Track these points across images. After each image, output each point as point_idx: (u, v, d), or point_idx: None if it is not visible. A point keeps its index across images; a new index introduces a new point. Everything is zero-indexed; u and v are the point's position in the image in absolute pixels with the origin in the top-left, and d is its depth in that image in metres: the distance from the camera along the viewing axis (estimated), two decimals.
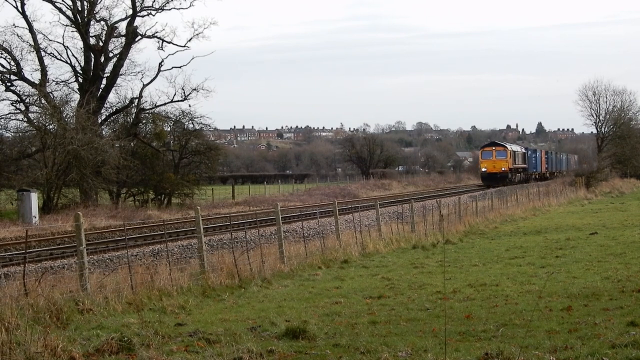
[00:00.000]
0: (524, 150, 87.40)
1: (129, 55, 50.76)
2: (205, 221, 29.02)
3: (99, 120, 49.51)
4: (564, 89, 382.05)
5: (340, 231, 24.02)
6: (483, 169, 76.29)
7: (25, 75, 47.91)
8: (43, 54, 48.52)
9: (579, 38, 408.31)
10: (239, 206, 48.56)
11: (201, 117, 54.08)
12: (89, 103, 44.70)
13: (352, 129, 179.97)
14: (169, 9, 51.62)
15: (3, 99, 48.69)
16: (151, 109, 52.49)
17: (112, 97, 51.68)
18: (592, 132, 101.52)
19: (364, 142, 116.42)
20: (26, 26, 48.17)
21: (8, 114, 47.07)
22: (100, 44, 49.80)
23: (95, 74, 49.60)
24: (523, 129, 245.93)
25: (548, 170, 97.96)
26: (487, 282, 15.85)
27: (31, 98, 48.15)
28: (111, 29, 49.87)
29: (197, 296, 14.48)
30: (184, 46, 51.94)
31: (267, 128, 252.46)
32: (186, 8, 57.85)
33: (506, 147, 77.29)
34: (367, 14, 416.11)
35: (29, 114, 46.82)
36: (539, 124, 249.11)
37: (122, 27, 50.73)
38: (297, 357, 9.66)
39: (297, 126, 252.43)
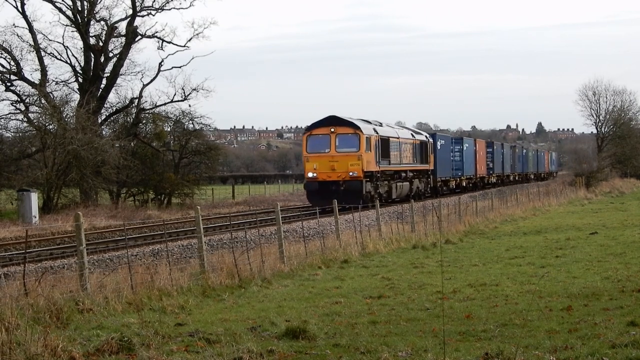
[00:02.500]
0: (423, 138, 50.08)
1: (129, 55, 50.76)
2: (205, 221, 29.01)
3: (99, 120, 49.49)
4: (564, 89, 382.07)
5: (340, 231, 24.03)
6: (310, 174, 39.20)
7: (25, 75, 47.94)
8: (43, 54, 48.54)
9: (579, 38, 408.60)
10: (239, 206, 48.53)
11: (201, 117, 54.07)
12: (89, 103, 44.69)
13: None
14: (169, 9, 51.60)
15: (3, 99, 48.67)
16: (151, 109, 52.48)
17: (112, 97, 51.71)
18: (592, 132, 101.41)
19: None
20: (26, 26, 48.18)
21: (8, 114, 47.14)
22: (100, 44, 49.77)
23: (95, 74, 49.59)
24: (523, 129, 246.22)
25: (493, 174, 70.46)
26: (487, 282, 15.85)
27: (31, 98, 48.17)
28: (111, 29, 49.85)
29: (197, 296, 14.48)
30: (184, 46, 51.95)
31: (267, 128, 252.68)
32: (186, 8, 57.74)
33: (359, 130, 39.22)
34: (367, 14, 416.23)
35: (29, 114, 46.83)
36: (539, 124, 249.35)
37: (122, 27, 50.75)
38: (297, 357, 9.66)
39: (297, 126, 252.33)
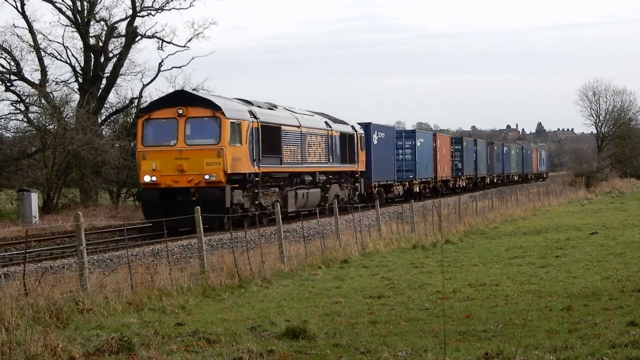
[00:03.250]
0: (346, 129, 38.46)
1: (128, 55, 50.76)
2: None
3: (99, 120, 49.52)
4: (564, 89, 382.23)
5: (340, 231, 24.04)
6: (146, 178, 27.54)
7: (25, 75, 47.95)
8: (43, 54, 48.55)
9: (578, 38, 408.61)
10: None
11: None
12: (89, 103, 44.72)
13: None
14: (169, 9, 51.55)
15: (3, 99, 48.71)
16: None
17: (112, 97, 51.67)
18: (592, 132, 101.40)
19: None
20: (26, 26, 48.18)
21: (8, 114, 47.19)
22: (100, 44, 49.80)
23: (95, 74, 49.62)
24: (523, 129, 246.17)
25: (462, 176, 60.26)
26: (487, 281, 15.85)
27: (31, 98, 48.21)
28: (111, 29, 49.87)
29: (197, 296, 14.49)
30: (184, 46, 51.90)
31: None
32: (186, 8, 57.71)
33: (219, 112, 27.55)
34: (366, 14, 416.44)
35: (29, 114, 46.91)
36: (539, 124, 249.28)
37: (122, 27, 50.74)
38: (297, 357, 9.67)
39: None
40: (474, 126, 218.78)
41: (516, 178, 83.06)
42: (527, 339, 10.14)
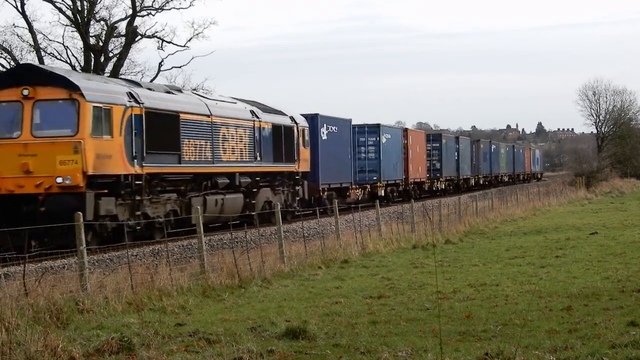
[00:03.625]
0: (282, 120, 31.78)
1: (129, 55, 50.78)
2: None
3: None
4: (564, 89, 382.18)
5: (340, 231, 24.05)
6: None
7: None
8: (43, 54, 48.58)
9: (578, 38, 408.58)
10: None
11: None
12: None
13: None
14: (169, 9, 51.52)
15: None
16: None
17: None
18: (592, 132, 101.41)
19: None
20: (26, 26, 48.20)
21: None
22: (100, 43, 49.82)
23: (95, 73, 49.64)
24: (523, 129, 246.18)
25: (441, 177, 54.49)
26: (487, 282, 15.86)
27: None
28: (111, 29, 49.89)
29: (197, 296, 14.50)
30: (184, 46, 51.85)
31: None
32: (186, 8, 57.59)
33: (78, 92, 20.68)
34: (366, 14, 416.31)
35: None
36: (539, 124, 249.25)
37: (122, 27, 50.75)
38: (297, 357, 9.67)
39: None
40: (474, 126, 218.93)
41: (506, 179, 78.45)
42: (527, 339, 10.15)
